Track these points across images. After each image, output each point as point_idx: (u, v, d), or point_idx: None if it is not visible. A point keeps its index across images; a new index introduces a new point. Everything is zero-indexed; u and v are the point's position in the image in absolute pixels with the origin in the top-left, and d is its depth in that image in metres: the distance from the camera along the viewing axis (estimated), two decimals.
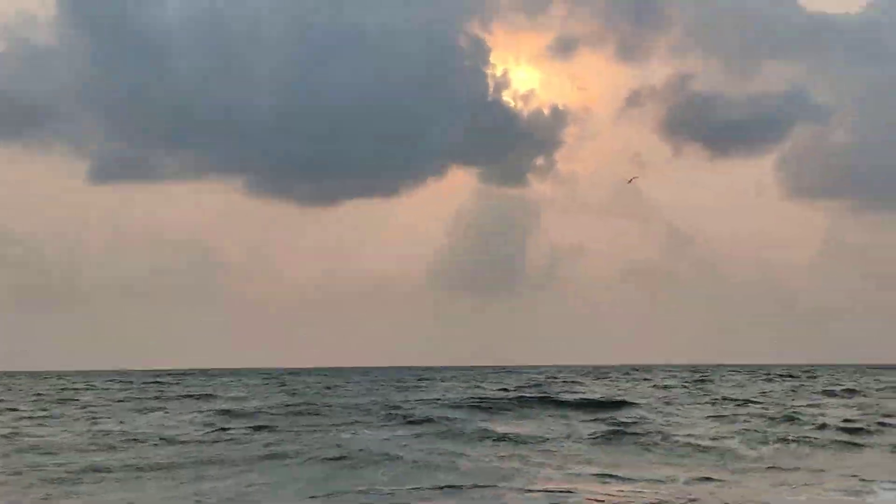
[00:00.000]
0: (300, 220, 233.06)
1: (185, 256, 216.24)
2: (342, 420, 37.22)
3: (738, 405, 45.37)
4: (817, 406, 45.00)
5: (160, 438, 31.08)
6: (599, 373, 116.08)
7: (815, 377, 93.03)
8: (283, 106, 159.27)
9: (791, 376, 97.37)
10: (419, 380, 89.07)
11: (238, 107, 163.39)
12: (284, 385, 78.66)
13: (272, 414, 40.43)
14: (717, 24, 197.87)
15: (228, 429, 33.99)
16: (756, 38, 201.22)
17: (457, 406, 43.83)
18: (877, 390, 61.65)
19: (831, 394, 56.86)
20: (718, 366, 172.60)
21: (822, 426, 33.27)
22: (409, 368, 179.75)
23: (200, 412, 42.50)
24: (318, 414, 40.43)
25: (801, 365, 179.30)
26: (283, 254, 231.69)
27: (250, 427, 34.43)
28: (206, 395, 60.28)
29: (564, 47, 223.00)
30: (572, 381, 78.40)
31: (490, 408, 42.63)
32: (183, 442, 30.21)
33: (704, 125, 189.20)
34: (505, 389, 61.83)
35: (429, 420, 36.24)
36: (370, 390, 64.37)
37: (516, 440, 29.49)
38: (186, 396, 58.38)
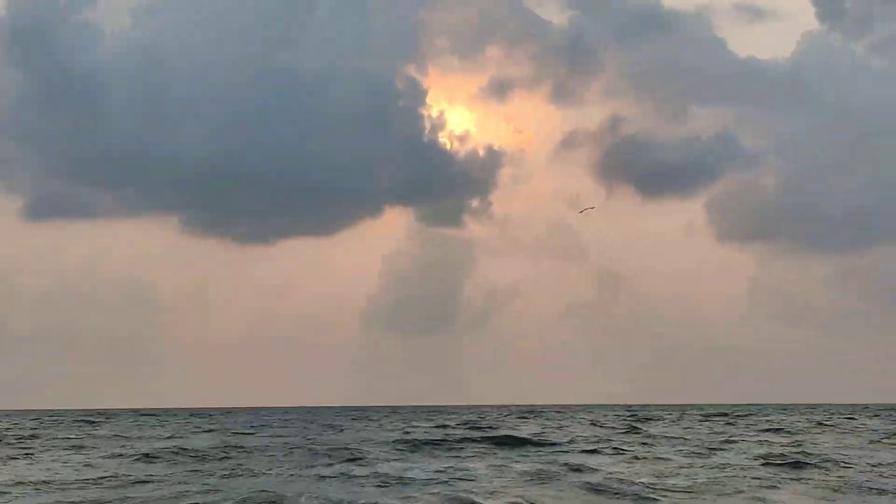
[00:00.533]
0: (236, 258, 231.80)
1: (118, 294, 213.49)
2: (269, 459, 36.97)
3: (669, 443, 45.76)
4: (745, 443, 45.51)
5: (84, 479, 30.64)
6: (534, 412, 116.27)
7: (744, 416, 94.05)
8: (220, 144, 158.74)
9: (724, 414, 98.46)
10: (353, 419, 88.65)
11: (174, 145, 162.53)
12: (215, 424, 77.87)
13: (199, 453, 40.03)
14: (649, 68, 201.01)
15: (154, 469, 33.61)
16: (688, 83, 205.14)
17: (388, 444, 43.73)
18: (805, 428, 62.51)
19: (759, 432, 57.53)
20: (654, 405, 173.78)
21: (748, 466, 33.70)
22: (344, 408, 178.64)
23: (127, 452, 41.95)
24: (246, 453, 40.12)
25: (735, 404, 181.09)
26: (218, 292, 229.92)
27: (175, 467, 34.07)
28: (135, 435, 59.51)
29: (499, 89, 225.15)
30: (505, 421, 78.48)
31: (421, 447, 42.59)
32: (106, 481, 29.81)
33: (637, 168, 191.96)
34: (440, 427, 61.77)
35: (358, 459, 36.14)
36: (301, 430, 63.95)
37: (444, 479, 29.50)
38: (115, 436, 57.59)
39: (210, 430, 64.78)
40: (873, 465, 33.32)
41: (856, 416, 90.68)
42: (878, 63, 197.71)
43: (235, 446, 43.94)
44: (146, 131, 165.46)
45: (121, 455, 40.40)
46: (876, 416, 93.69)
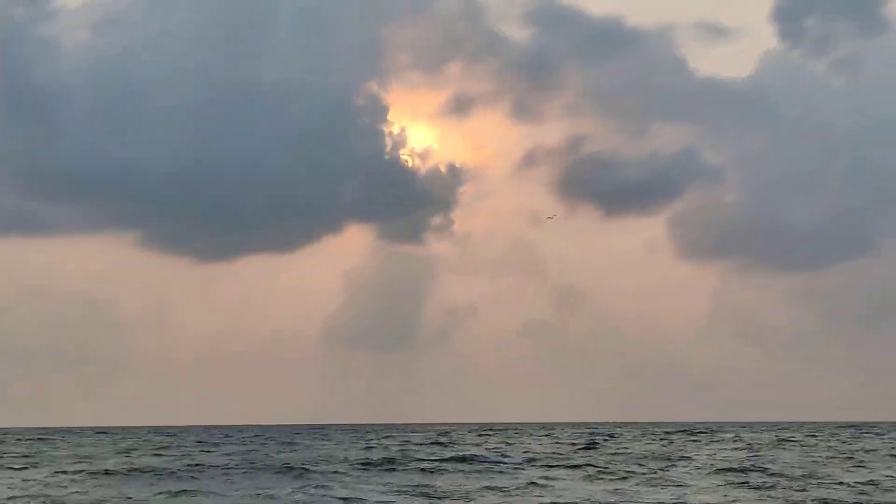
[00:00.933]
0: (196, 275, 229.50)
1: (77, 311, 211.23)
2: (227, 478, 36.56)
3: (630, 460, 45.70)
4: (706, 460, 45.54)
5: (30, 495, 30.08)
6: (495, 430, 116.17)
7: (705, 433, 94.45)
8: (180, 160, 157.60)
9: (685, 431, 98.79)
10: (313, 438, 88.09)
11: (133, 160, 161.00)
12: (174, 442, 77.04)
13: (156, 472, 39.45)
14: (610, 85, 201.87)
15: (109, 487, 33.10)
16: (649, 101, 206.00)
17: (349, 463, 43.41)
18: (766, 445, 62.75)
19: (720, 449, 57.72)
20: (615, 423, 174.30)
21: (710, 482, 33.69)
22: (304, 426, 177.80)
23: (82, 470, 41.24)
24: (203, 471, 39.61)
25: (696, 422, 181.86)
26: (177, 309, 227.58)
27: (130, 485, 33.60)
28: (92, 453, 58.67)
29: (461, 106, 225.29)
30: (466, 438, 78.27)
31: (382, 465, 42.31)
32: (60, 501, 29.24)
33: (598, 185, 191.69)
34: (401, 445, 61.44)
35: (317, 478, 35.84)
36: (261, 447, 63.41)
37: (405, 497, 29.27)
38: (71, 455, 56.73)
39: (168, 448, 64.02)
40: (834, 483, 33.42)
41: (816, 434, 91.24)
42: (838, 82, 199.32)
43: (193, 465, 43.36)
44: (105, 146, 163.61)
45: (75, 472, 39.71)
46: (835, 434, 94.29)
